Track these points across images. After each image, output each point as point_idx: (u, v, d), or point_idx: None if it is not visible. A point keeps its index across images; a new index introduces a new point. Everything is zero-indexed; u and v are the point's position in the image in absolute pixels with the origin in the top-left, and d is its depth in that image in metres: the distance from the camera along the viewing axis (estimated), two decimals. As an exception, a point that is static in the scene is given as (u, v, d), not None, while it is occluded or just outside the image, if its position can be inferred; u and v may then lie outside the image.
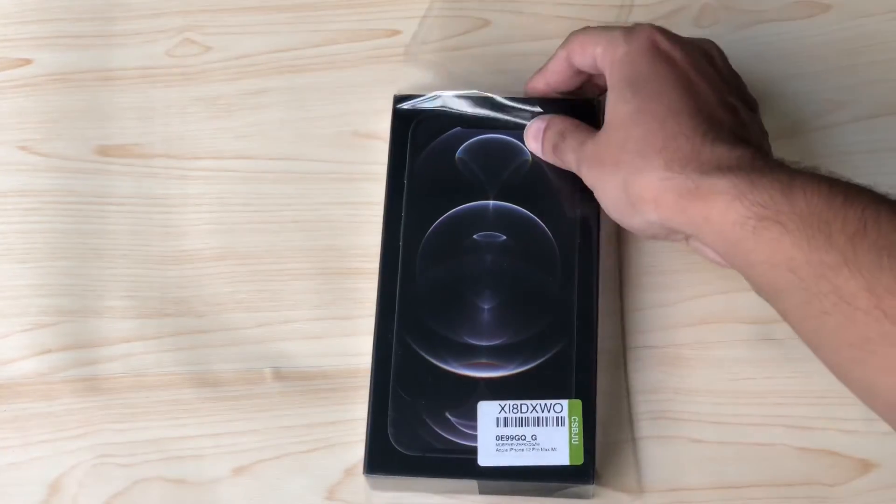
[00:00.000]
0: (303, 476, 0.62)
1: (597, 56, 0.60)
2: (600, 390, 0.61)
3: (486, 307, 0.60)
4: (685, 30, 0.69)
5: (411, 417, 0.58)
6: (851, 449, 0.61)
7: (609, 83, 0.59)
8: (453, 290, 0.61)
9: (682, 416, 0.62)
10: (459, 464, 0.57)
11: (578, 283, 0.60)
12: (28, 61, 0.72)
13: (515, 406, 0.58)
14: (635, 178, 0.55)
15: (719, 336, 0.64)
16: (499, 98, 0.65)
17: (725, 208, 0.51)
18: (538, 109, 0.64)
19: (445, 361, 0.59)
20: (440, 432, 0.58)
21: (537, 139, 0.62)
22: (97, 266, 0.67)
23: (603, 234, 0.63)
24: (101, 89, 0.71)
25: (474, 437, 0.58)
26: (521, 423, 0.58)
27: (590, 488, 0.58)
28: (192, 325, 0.66)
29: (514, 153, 0.63)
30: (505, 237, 0.61)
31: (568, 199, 0.62)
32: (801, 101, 0.67)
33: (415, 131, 0.64)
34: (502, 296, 0.60)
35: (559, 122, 0.62)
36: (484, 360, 0.59)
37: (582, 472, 0.57)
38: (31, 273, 0.67)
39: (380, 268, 0.61)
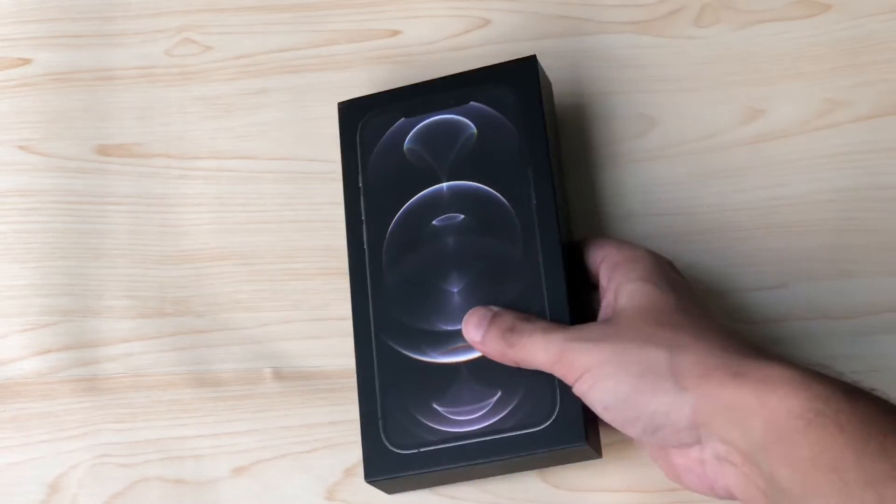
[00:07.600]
0: (303, 476, 0.62)
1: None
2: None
3: (454, 290, 0.60)
4: (685, 30, 0.69)
5: (402, 416, 0.58)
6: (851, 449, 0.61)
7: (629, 275, 0.56)
8: (421, 281, 0.60)
9: (682, 415, 0.62)
10: (454, 451, 0.57)
11: (541, 243, 0.59)
12: (27, 61, 0.72)
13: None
14: (682, 353, 0.52)
15: (719, 336, 0.64)
16: (432, 81, 0.64)
17: (783, 396, 0.48)
18: (474, 79, 0.63)
19: (425, 353, 0.59)
20: (432, 424, 0.58)
21: (479, 327, 0.58)
22: (97, 266, 0.67)
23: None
24: (100, 89, 0.71)
25: (465, 423, 0.58)
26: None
27: (584, 448, 0.57)
28: (191, 325, 0.66)
29: (458, 130, 0.63)
30: (463, 216, 0.61)
31: (516, 162, 0.61)
32: (801, 101, 0.67)
33: (362, 133, 0.64)
34: (469, 275, 0.60)
35: (510, 313, 0.58)
36: (462, 344, 0.59)
37: (573, 433, 0.56)
38: (31, 273, 0.67)
39: (350, 275, 0.61)
